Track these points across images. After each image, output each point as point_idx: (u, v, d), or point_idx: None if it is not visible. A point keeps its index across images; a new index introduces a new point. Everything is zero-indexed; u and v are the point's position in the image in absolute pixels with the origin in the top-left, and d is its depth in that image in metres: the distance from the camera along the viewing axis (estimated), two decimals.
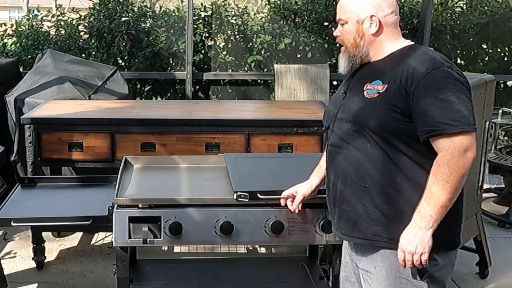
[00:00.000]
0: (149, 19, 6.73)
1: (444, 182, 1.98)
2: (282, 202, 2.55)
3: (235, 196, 2.58)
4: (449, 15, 6.78)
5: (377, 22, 2.16)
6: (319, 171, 2.50)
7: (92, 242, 4.35)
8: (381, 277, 2.16)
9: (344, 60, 2.24)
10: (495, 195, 5.41)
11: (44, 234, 3.99)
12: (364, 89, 2.14)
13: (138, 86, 6.68)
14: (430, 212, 2.00)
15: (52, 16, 6.74)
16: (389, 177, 2.10)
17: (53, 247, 4.22)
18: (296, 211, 2.53)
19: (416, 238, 2.03)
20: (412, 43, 2.21)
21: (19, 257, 4.12)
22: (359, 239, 2.19)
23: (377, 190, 2.12)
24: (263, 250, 4.26)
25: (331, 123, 2.27)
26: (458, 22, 6.81)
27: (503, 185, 5.35)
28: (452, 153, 1.98)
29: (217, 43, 6.72)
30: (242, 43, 6.65)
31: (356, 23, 2.18)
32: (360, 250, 2.24)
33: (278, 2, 6.79)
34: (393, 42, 2.19)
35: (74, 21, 6.64)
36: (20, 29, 6.55)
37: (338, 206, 2.25)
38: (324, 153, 2.41)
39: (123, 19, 6.47)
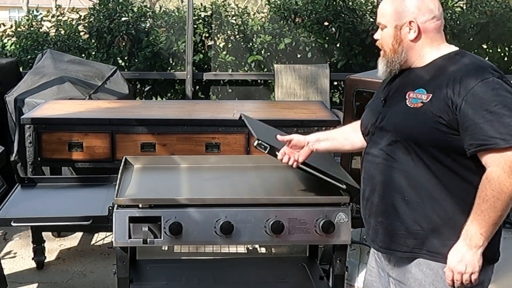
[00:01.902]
0: (149, 19, 6.74)
1: (494, 199, 1.89)
2: (279, 156, 2.50)
3: (256, 143, 2.50)
4: (449, 15, 6.77)
5: (416, 28, 2.07)
6: (323, 136, 2.48)
7: (92, 242, 4.35)
8: None
9: (382, 64, 2.17)
10: None
11: (44, 234, 3.99)
12: (407, 97, 2.06)
13: (138, 86, 6.68)
14: (480, 231, 1.93)
15: (52, 16, 6.74)
16: (431, 191, 2.03)
17: (53, 247, 4.22)
18: (282, 153, 2.47)
19: (465, 258, 1.96)
20: (457, 49, 2.13)
21: (19, 257, 4.12)
22: (399, 252, 2.13)
23: (417, 203, 2.05)
24: (263, 250, 4.26)
25: (370, 131, 2.20)
26: (458, 22, 6.81)
27: None
28: (503, 168, 1.88)
29: (217, 43, 6.72)
30: (242, 43, 6.65)
31: (395, 28, 2.10)
32: (393, 259, 2.18)
33: (278, 2, 6.78)
34: (435, 48, 2.10)
35: (74, 21, 6.64)
36: (19, 29, 6.55)
37: (375, 219, 2.18)
38: (340, 133, 2.36)
39: (123, 19, 6.47)
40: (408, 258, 2.12)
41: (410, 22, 2.08)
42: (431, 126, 1.98)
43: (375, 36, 2.21)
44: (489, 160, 1.91)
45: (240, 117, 2.84)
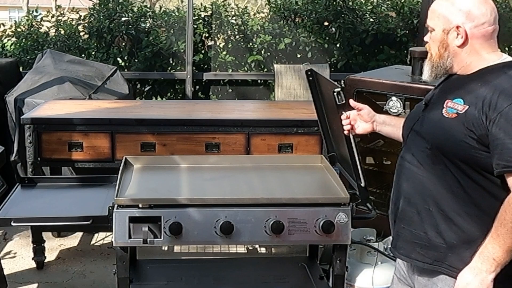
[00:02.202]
0: (149, 19, 6.73)
1: None
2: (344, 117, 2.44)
3: (336, 90, 2.41)
4: None
5: (463, 33, 1.97)
6: (390, 121, 2.45)
7: (92, 242, 4.35)
8: None
9: (428, 68, 2.09)
10: None
11: (44, 234, 3.99)
12: (444, 105, 1.98)
13: (138, 86, 6.68)
14: (494, 255, 1.85)
15: (52, 16, 6.74)
16: (457, 204, 1.96)
17: (53, 247, 4.22)
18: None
19: (475, 281, 1.88)
20: (509, 59, 2.01)
21: (19, 257, 4.12)
22: (418, 261, 2.07)
23: (442, 216, 1.99)
24: (263, 250, 4.26)
25: (407, 134, 2.15)
26: None
27: None
28: None
29: (217, 43, 6.72)
30: (242, 43, 6.65)
31: (442, 32, 2.02)
32: (418, 270, 2.12)
33: (278, 2, 6.78)
34: (484, 56, 2.00)
35: (74, 21, 6.63)
36: (19, 29, 6.54)
37: (398, 224, 2.14)
38: (398, 118, 2.29)
39: (123, 19, 6.47)
40: (431, 270, 2.05)
41: (457, 27, 1.98)
42: (461, 139, 1.90)
43: (425, 39, 2.14)
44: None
45: (308, 71, 2.75)
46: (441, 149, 1.97)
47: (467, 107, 1.91)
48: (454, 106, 1.95)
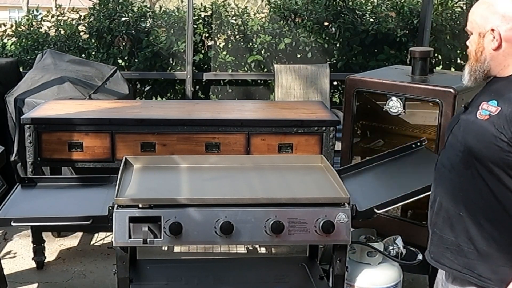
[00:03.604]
0: (149, 19, 6.73)
1: None
2: None
3: None
4: (449, 15, 6.77)
5: (498, 36, 1.96)
6: None
7: (92, 242, 4.35)
8: None
9: (466, 72, 2.08)
10: None
11: (44, 234, 3.99)
12: (480, 108, 1.97)
13: (138, 86, 6.68)
14: None
15: (52, 16, 6.74)
16: (488, 210, 1.94)
17: (53, 247, 4.22)
18: None
19: None
20: None
21: (19, 257, 4.12)
22: (446, 267, 2.08)
23: (472, 221, 1.98)
24: (263, 250, 4.26)
25: (446, 136, 2.14)
26: (458, 22, 6.81)
27: None
28: None
29: (217, 43, 6.72)
30: (242, 43, 6.65)
31: (478, 36, 2.01)
32: (451, 277, 2.11)
33: (278, 2, 6.78)
34: None
35: (74, 21, 6.64)
36: (19, 29, 6.54)
37: (431, 228, 2.14)
38: None
39: (123, 19, 6.47)
40: (461, 279, 2.04)
41: (492, 30, 1.97)
42: (491, 141, 1.89)
43: (467, 43, 2.10)
44: None
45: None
46: (472, 152, 1.95)
47: (500, 108, 1.91)
48: (488, 108, 1.94)
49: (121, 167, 2.99)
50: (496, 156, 1.89)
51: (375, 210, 2.75)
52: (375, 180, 3.16)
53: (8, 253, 4.17)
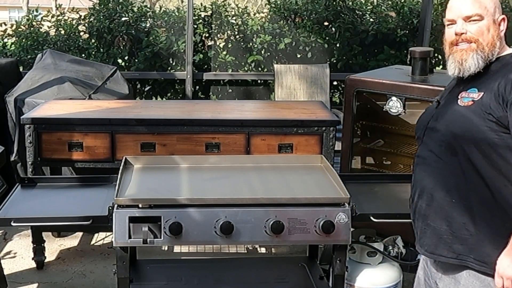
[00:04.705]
0: (149, 19, 6.73)
1: None
2: None
3: None
4: None
5: (505, 25, 2.06)
6: None
7: (92, 242, 4.35)
8: None
9: (476, 59, 2.04)
10: None
11: (44, 234, 3.99)
12: (459, 97, 2.03)
13: (138, 86, 6.68)
14: None
15: (52, 16, 6.74)
16: (479, 194, 1.98)
17: (53, 247, 4.22)
18: None
19: None
20: None
21: (19, 257, 4.12)
22: (443, 257, 2.09)
23: (465, 206, 2.00)
24: (263, 250, 4.26)
25: (422, 133, 2.17)
26: None
27: None
28: None
29: (217, 43, 6.72)
30: (242, 43, 6.65)
31: (493, 22, 2.05)
32: (442, 268, 2.13)
33: (278, 2, 6.78)
34: (502, 48, 2.08)
35: (74, 21, 6.63)
36: (19, 29, 6.54)
37: (422, 221, 2.15)
38: None
39: (123, 19, 6.47)
40: (456, 266, 2.06)
41: (504, 19, 2.06)
42: (481, 123, 1.95)
43: (459, 30, 2.07)
44: None
45: None
46: (460, 139, 1.99)
47: (482, 93, 1.96)
48: (469, 95, 1.99)
49: (121, 167, 2.99)
50: (488, 136, 1.93)
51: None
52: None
53: (8, 253, 4.17)
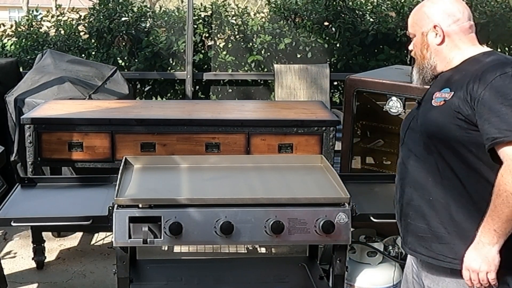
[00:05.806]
0: (149, 19, 6.73)
1: (508, 194, 1.84)
2: None
3: None
4: None
5: (441, 32, 2.11)
6: None
7: (92, 242, 4.35)
8: None
9: (415, 72, 2.24)
10: None
11: (44, 234, 3.99)
12: (433, 97, 2.09)
13: (138, 86, 6.68)
14: (494, 227, 1.89)
15: (52, 16, 6.74)
16: (455, 191, 2.01)
17: (53, 247, 4.22)
18: None
19: (480, 255, 1.93)
20: (488, 49, 2.14)
21: (19, 257, 4.12)
22: (424, 256, 2.12)
23: (441, 204, 2.04)
24: (263, 250, 4.26)
25: (404, 133, 2.22)
26: None
27: None
28: None
29: (217, 43, 6.72)
30: (242, 43, 6.64)
31: (421, 35, 2.16)
32: (427, 266, 2.15)
33: (278, 2, 6.78)
34: (464, 50, 2.11)
35: (74, 21, 6.63)
36: (19, 29, 6.54)
37: (404, 220, 2.18)
38: None
39: (123, 19, 6.47)
40: (437, 266, 2.08)
41: (434, 27, 2.12)
42: (450, 122, 1.99)
43: (410, 47, 2.27)
44: (504, 153, 1.88)
45: None
46: (434, 138, 2.04)
47: (453, 93, 2.02)
48: (442, 95, 2.05)
49: (121, 167, 2.99)
50: (457, 134, 1.98)
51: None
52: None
53: (8, 253, 4.17)
